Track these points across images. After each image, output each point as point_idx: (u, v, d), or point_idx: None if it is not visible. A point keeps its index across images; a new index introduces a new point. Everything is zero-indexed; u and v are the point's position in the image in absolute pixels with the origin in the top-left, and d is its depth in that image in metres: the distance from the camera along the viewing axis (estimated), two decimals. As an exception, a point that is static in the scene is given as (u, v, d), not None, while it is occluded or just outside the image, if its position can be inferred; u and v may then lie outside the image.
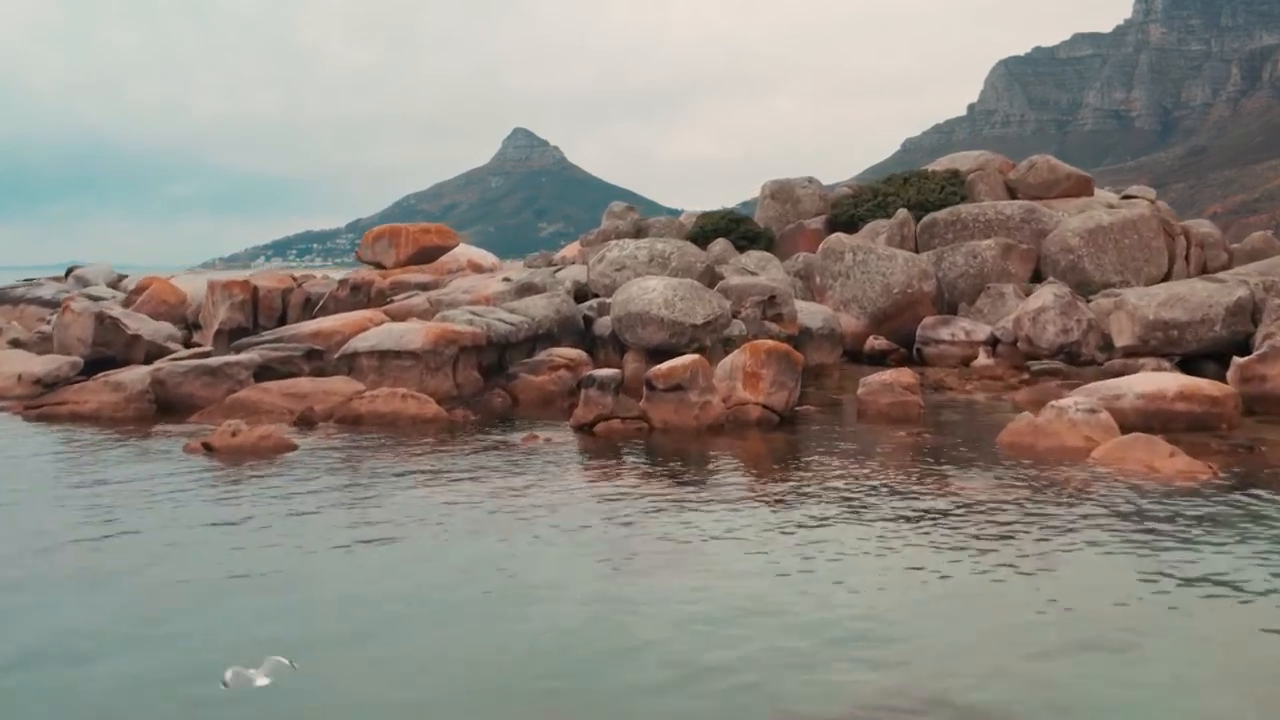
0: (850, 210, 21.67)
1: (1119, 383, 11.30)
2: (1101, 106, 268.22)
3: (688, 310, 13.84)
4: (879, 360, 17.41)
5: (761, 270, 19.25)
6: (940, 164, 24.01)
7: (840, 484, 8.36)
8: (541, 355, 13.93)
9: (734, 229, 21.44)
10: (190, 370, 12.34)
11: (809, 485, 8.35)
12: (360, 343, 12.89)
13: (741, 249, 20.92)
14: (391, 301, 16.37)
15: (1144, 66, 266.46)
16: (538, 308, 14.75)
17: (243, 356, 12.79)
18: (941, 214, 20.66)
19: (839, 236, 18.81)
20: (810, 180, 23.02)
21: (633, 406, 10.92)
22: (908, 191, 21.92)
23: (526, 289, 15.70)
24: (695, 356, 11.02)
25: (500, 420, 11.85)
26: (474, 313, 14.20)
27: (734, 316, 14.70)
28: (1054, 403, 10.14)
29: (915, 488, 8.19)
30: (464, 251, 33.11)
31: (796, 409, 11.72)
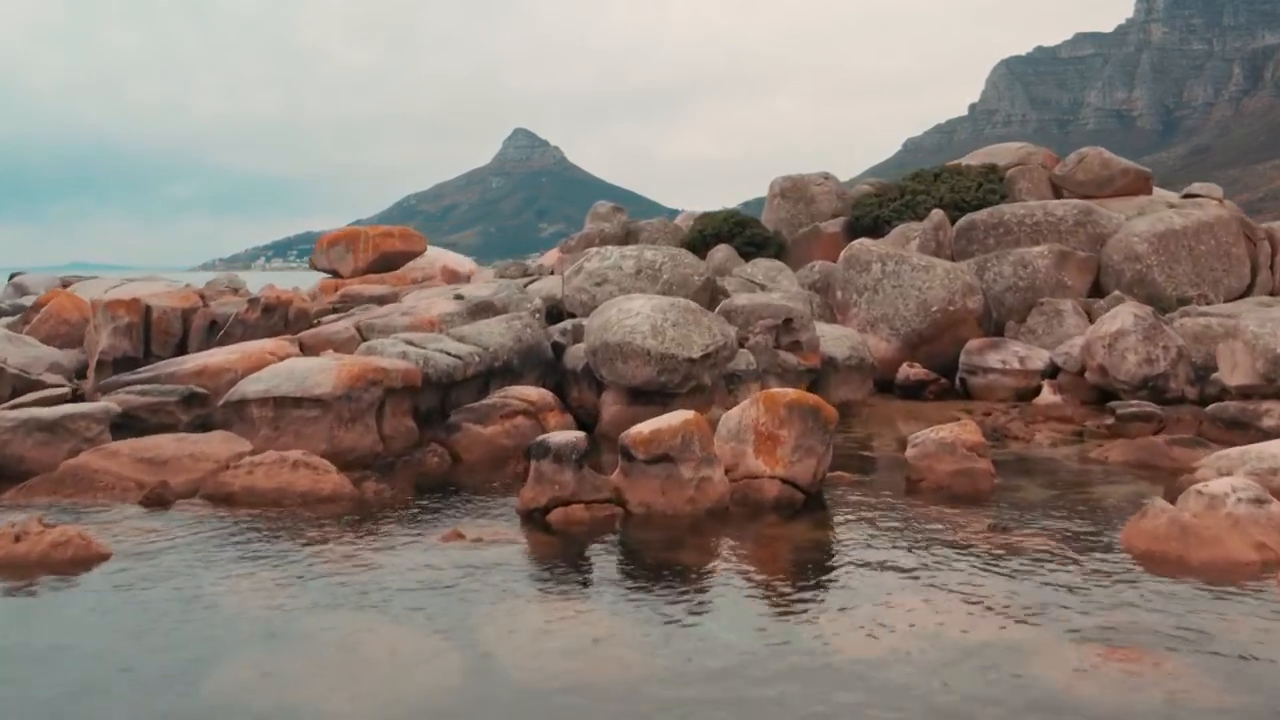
0: (874, 211, 18.62)
1: (1274, 450, 8.23)
2: (1103, 106, 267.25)
3: (681, 339, 10.79)
4: (914, 393, 14.40)
5: (771, 282, 16.23)
6: (975, 157, 20.96)
7: (921, 638, 5.29)
8: (494, 397, 10.87)
9: (738, 233, 18.41)
10: (21, 424, 9.27)
11: (869, 650, 5.28)
12: (250, 386, 9.82)
13: (747, 256, 17.89)
14: (319, 324, 13.31)
15: (1146, 66, 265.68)
16: (493, 335, 11.69)
17: (94, 406, 9.72)
18: (981, 215, 17.63)
19: (864, 243, 15.75)
20: (826, 176, 19.97)
21: (603, 484, 7.86)
22: (939, 189, 18.89)
23: (481, 309, 12.64)
24: (688, 416, 7.95)
25: (426, 495, 8.78)
26: (409, 343, 11.15)
27: (740, 345, 11.66)
28: (1201, 487, 7.07)
29: (1039, 655, 5.12)
30: (438, 256, 30.13)
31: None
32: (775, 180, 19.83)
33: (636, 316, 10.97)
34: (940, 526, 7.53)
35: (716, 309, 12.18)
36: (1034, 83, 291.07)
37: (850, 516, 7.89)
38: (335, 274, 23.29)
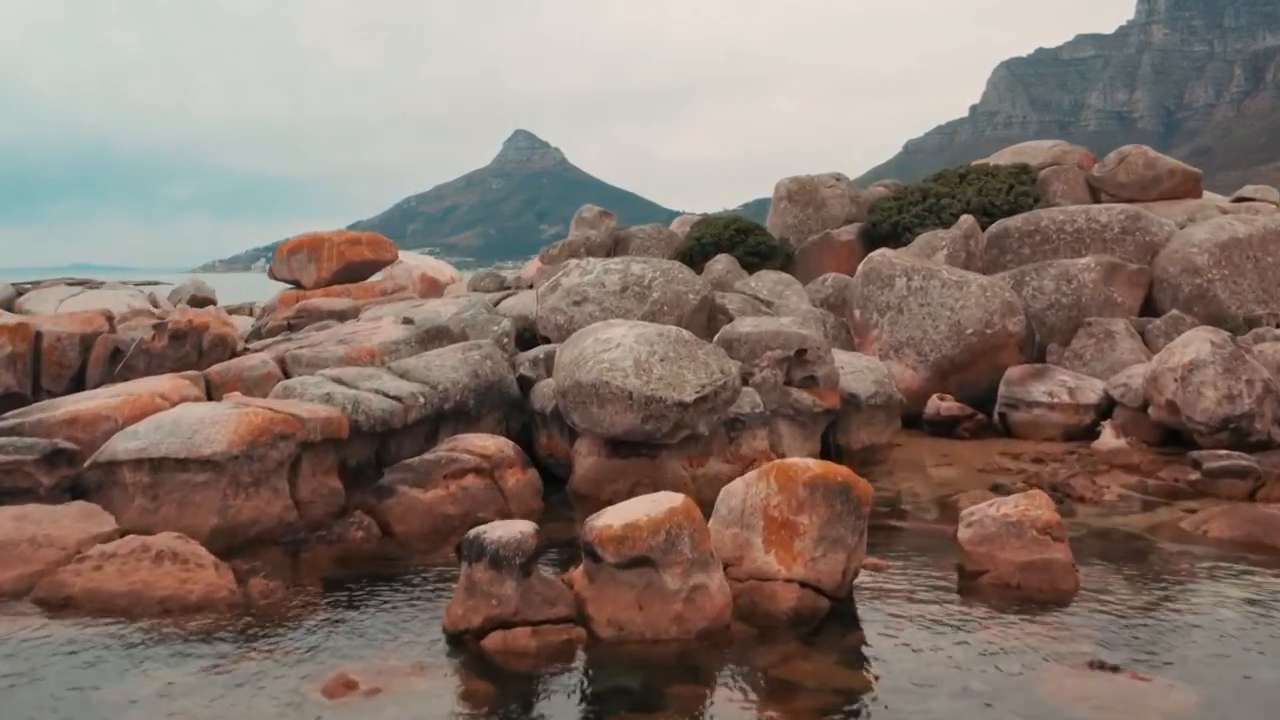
0: (893, 216, 16.57)
1: None
2: (1104, 108, 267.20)
3: (672, 378, 8.74)
4: (946, 430, 12.37)
5: (778, 298, 14.19)
6: (1003, 156, 18.92)
7: None
8: (440, 449, 8.81)
9: (740, 241, 16.35)
10: None
11: None
12: (124, 443, 7.77)
13: (750, 268, 15.86)
14: (249, 350, 11.26)
15: (1146, 67, 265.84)
16: (444, 369, 9.64)
17: (-79, 468, 7.66)
18: (1015, 221, 15.58)
19: (885, 254, 13.69)
20: (838, 178, 17.91)
21: (559, 595, 5.79)
22: (966, 191, 16.84)
23: (435, 336, 10.58)
24: (675, 502, 5.89)
25: (332, 596, 6.71)
26: (339, 381, 9.10)
27: (744, 382, 9.62)
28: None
29: None
30: (417, 264, 28.17)
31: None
32: (781, 182, 17.77)
33: (616, 349, 8.92)
34: (1020, 658, 5.47)
35: (715, 337, 10.12)
36: (1035, 84, 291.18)
37: (894, 639, 5.82)
38: (297, 285, 21.32)
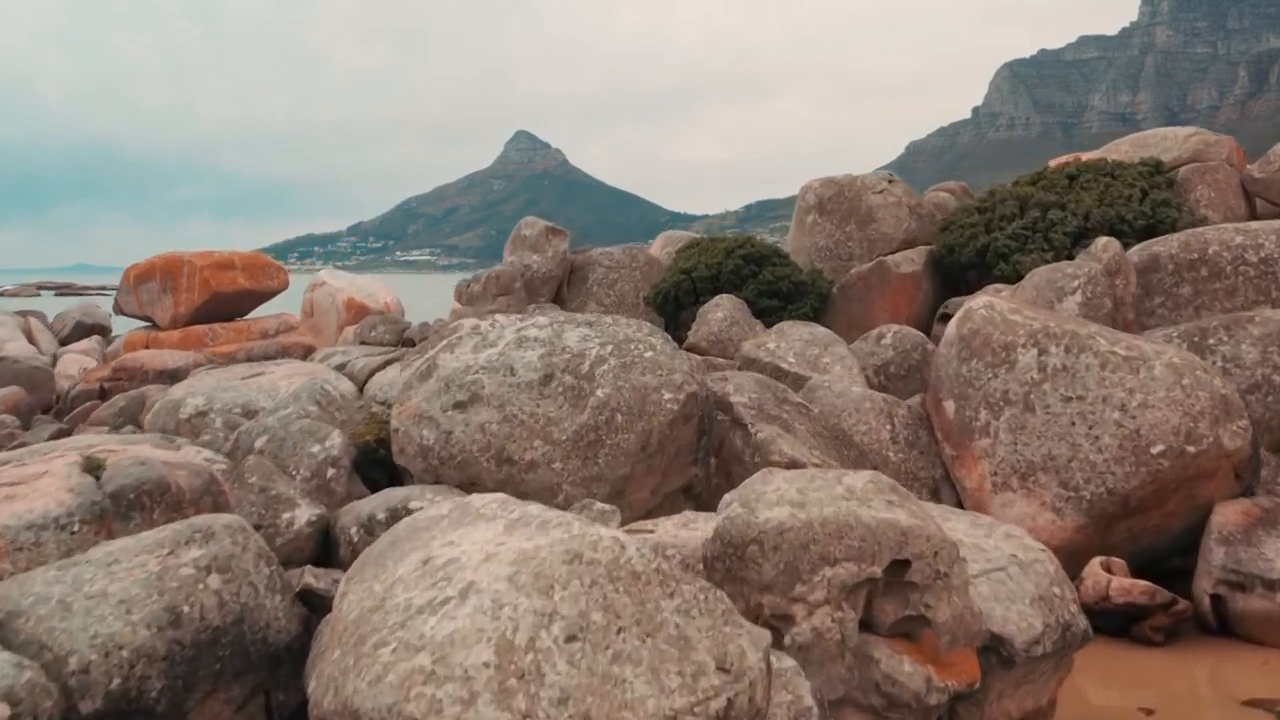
0: (979, 237, 11.12)
1: None
2: (1107, 109, 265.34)
3: (595, 696, 3.30)
4: (1120, 625, 7.02)
5: (814, 369, 8.82)
6: (1115, 150, 13.48)
7: None
8: None
9: (751, 274, 10.93)
10: None
11: None
12: None
13: (766, 315, 10.45)
14: None
15: (1150, 69, 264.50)
16: (106, 604, 4.23)
17: None
18: (1169, 246, 10.21)
19: (997, 308, 8.23)
20: (891, 179, 12.44)
21: None
22: (1082, 200, 11.42)
23: (137, 502, 5.15)
24: None
25: None
26: None
27: (775, 638, 4.16)
28: None
29: None
30: (341, 285, 22.61)
31: None
32: (809, 185, 12.34)
33: (463, 606, 3.52)
34: None
35: (713, 532, 4.69)
36: (1037, 85, 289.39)
37: None
38: (152, 324, 15.90)
